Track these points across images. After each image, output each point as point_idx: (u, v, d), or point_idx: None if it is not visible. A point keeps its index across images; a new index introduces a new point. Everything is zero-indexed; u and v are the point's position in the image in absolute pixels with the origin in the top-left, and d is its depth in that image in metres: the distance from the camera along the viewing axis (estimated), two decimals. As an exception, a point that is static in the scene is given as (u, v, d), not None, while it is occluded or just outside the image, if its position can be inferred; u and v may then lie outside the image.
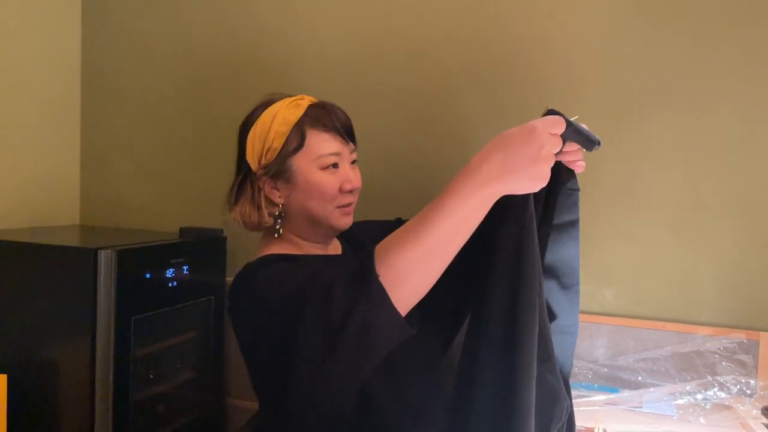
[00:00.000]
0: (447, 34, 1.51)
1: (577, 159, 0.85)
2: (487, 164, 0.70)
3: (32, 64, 1.76)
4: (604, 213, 1.41)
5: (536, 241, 0.78)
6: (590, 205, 1.42)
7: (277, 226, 0.99)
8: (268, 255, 0.95)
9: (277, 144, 0.95)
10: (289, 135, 0.95)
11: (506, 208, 0.76)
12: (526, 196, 0.76)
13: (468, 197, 0.70)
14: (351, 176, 0.98)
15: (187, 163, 1.79)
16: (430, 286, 0.73)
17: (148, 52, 1.83)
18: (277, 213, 0.98)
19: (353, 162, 1.02)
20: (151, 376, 1.50)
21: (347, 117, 1.01)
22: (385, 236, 0.82)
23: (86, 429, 1.34)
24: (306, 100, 1.00)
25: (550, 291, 0.96)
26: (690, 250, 1.35)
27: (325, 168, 0.96)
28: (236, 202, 1.00)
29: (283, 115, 0.96)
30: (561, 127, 0.74)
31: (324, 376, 0.72)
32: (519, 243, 0.75)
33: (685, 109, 1.35)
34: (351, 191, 0.98)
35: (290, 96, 1.02)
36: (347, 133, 0.99)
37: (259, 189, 0.98)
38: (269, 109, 0.99)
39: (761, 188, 1.31)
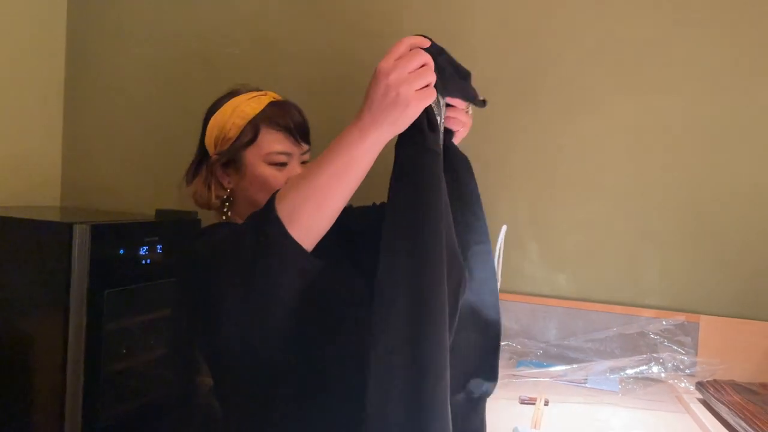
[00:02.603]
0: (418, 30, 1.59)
1: (456, 116, 0.89)
2: (362, 116, 0.76)
3: (16, 48, 1.81)
4: (559, 202, 1.48)
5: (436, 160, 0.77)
6: (546, 194, 1.50)
7: (225, 209, 1.06)
8: (217, 222, 1.04)
9: (233, 135, 1.02)
10: (244, 128, 1.02)
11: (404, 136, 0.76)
12: (418, 124, 0.76)
13: (353, 147, 0.75)
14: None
15: (166, 149, 1.85)
16: (327, 222, 0.78)
17: (130, 40, 1.89)
18: (224, 197, 1.06)
19: (304, 162, 1.07)
20: (124, 351, 1.54)
21: (303, 118, 1.07)
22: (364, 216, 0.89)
23: (57, 400, 1.38)
24: (267, 97, 1.06)
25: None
26: (636, 238, 1.43)
27: (272, 164, 1.02)
28: (192, 180, 1.09)
29: (242, 108, 1.03)
30: (403, 48, 0.75)
31: (241, 309, 0.79)
32: (415, 162, 0.75)
33: (634, 104, 1.43)
34: None
35: (257, 89, 1.08)
36: (300, 135, 1.05)
37: (212, 173, 1.06)
38: (232, 100, 1.05)
39: (702, 179, 1.40)
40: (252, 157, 1.02)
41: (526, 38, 1.50)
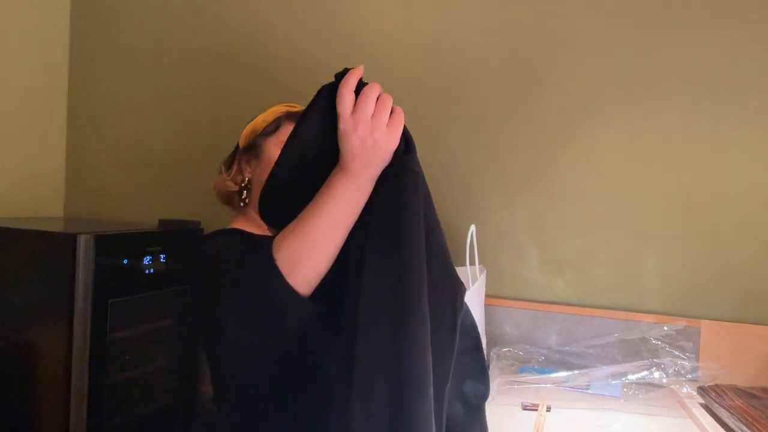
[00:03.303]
0: (411, 42, 1.61)
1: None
2: (349, 165, 0.77)
3: (20, 59, 1.83)
4: (558, 208, 1.49)
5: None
6: (545, 200, 1.51)
7: (243, 195, 1.09)
8: (224, 228, 1.04)
9: (259, 128, 1.10)
10: (270, 122, 1.09)
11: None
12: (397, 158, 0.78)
13: (347, 192, 0.76)
14: None
15: (169, 159, 1.87)
16: (329, 263, 0.78)
17: (133, 51, 1.91)
18: (242, 184, 1.09)
19: None
20: (127, 360, 1.56)
21: None
22: None
23: (62, 408, 1.40)
24: (300, 109, 1.12)
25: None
26: (635, 243, 1.44)
27: None
28: (220, 174, 1.14)
29: (275, 109, 1.11)
30: (348, 100, 0.76)
31: (238, 351, 0.82)
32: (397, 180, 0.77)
33: (630, 112, 1.45)
34: None
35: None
36: None
37: (236, 161, 1.12)
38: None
39: (699, 185, 1.41)
40: (270, 144, 1.07)
41: (523, 45, 1.52)
